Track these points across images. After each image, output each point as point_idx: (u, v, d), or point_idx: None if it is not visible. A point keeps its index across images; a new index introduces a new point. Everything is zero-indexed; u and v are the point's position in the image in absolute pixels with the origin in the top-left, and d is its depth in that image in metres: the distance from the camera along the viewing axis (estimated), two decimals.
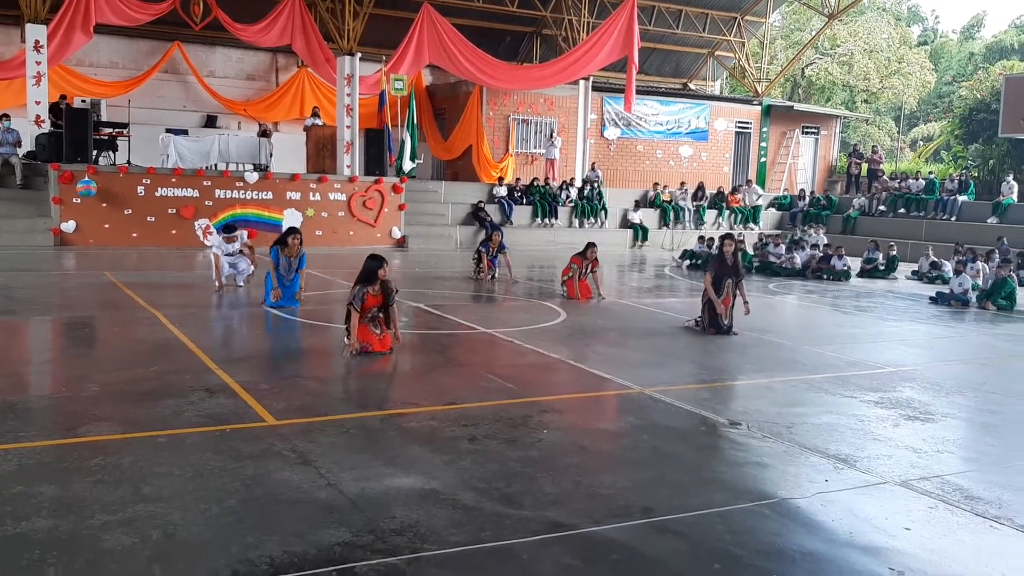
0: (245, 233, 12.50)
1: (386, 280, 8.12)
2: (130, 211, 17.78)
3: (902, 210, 25.12)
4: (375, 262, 8.16)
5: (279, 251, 10.60)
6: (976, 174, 26.65)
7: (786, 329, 9.85)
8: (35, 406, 6.20)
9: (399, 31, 22.95)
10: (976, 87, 29.78)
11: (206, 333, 9.22)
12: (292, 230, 10.98)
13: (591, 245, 12.87)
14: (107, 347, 8.63)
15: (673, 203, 25.43)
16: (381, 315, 8.09)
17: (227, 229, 11.95)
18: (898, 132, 44.93)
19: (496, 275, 14.64)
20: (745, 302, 10.08)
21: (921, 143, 43.05)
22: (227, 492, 4.52)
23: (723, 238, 10.49)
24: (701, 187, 26.31)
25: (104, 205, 17.47)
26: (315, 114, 22.76)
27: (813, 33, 34.57)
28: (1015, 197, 23.23)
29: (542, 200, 23.39)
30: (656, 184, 26.12)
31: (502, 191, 23.32)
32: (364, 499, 4.51)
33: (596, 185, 24.58)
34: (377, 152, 21.15)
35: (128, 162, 18.95)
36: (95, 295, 11.62)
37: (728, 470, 5.29)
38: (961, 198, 23.95)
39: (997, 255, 17.12)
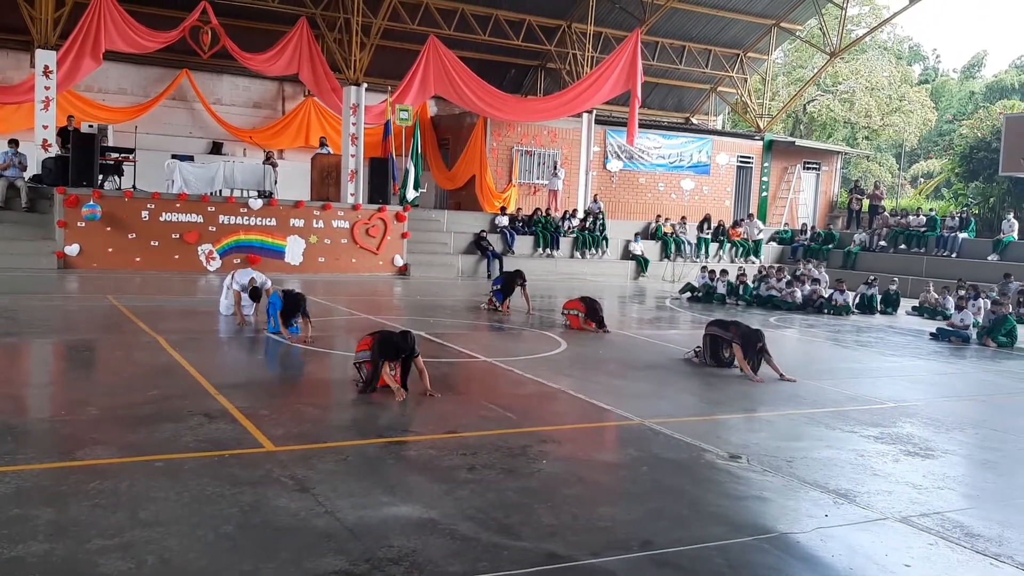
0: (268, 282, 11.82)
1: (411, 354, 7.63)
2: (134, 235, 17.85)
3: (903, 246, 25.19)
4: (407, 344, 7.55)
5: (281, 299, 10.47)
6: (976, 211, 26.75)
7: (786, 363, 9.83)
8: (34, 429, 6.19)
9: (405, 62, 23.20)
10: (977, 126, 30.00)
11: (207, 358, 9.22)
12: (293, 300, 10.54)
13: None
14: (108, 371, 8.63)
15: (674, 235, 25.51)
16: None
17: (253, 295, 11.27)
18: (899, 169, 45.15)
19: (508, 306, 14.32)
20: (778, 372, 9.55)
21: (922, 180, 43.25)
22: (224, 518, 4.50)
23: (756, 331, 9.81)
24: (707, 219, 26.40)
25: (108, 229, 17.54)
26: (323, 144, 22.96)
27: (815, 70, 34.88)
28: (1015, 235, 23.30)
29: (544, 231, 23.48)
30: (658, 216, 26.24)
31: (504, 221, 23.42)
32: (362, 527, 4.49)
33: (598, 217, 24.68)
34: (381, 181, 21.28)
35: (133, 187, 19.06)
36: (97, 318, 11.64)
37: (727, 503, 5.26)
38: (962, 235, 24.03)
39: (995, 291, 17.13)
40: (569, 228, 24.11)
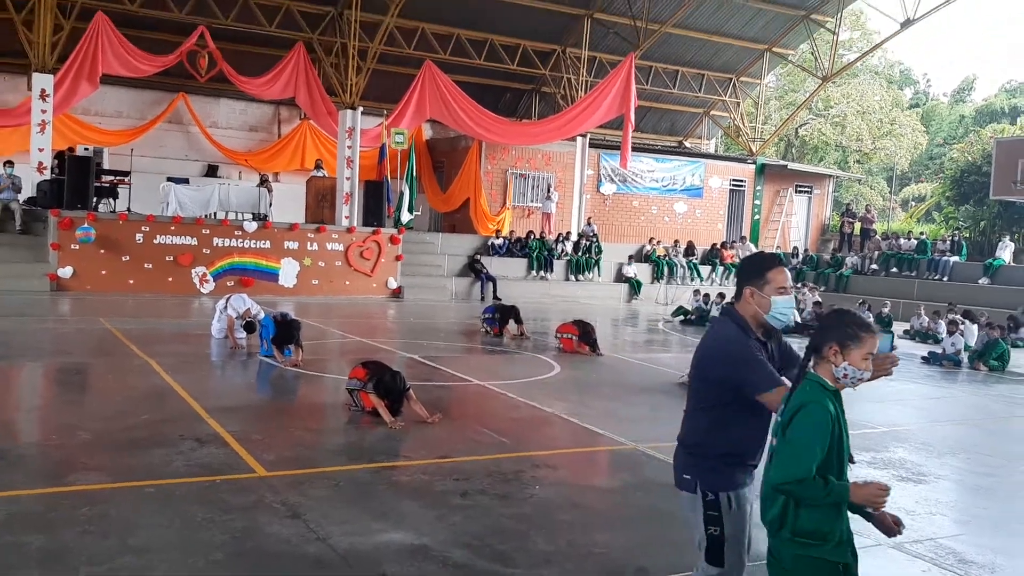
0: (260, 313, 11.64)
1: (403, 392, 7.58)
2: (128, 258, 17.83)
3: (894, 269, 25.30)
4: (397, 385, 7.50)
5: (274, 324, 10.46)
6: (967, 235, 26.91)
7: None
8: (25, 453, 6.17)
9: (401, 86, 23.33)
10: (967, 149, 30.23)
11: (199, 381, 9.19)
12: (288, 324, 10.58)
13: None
14: (99, 394, 8.60)
15: (667, 258, 25.60)
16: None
17: (248, 328, 11.24)
18: (890, 192, 45.42)
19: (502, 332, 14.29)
20: None
21: (913, 203, 43.51)
22: (215, 545, 4.49)
23: None
24: (691, 245, 26.53)
25: (102, 251, 17.52)
26: (319, 166, 23.05)
27: (807, 94, 35.16)
28: (1007, 257, 23.43)
29: (538, 253, 23.54)
30: (651, 239, 26.33)
31: (499, 243, 23.48)
32: (354, 554, 4.48)
33: (592, 240, 24.76)
34: (376, 204, 21.32)
35: (128, 209, 19.06)
36: (90, 341, 11.61)
37: None
38: (953, 259, 24.16)
39: (984, 316, 17.13)
40: (563, 251, 24.18)
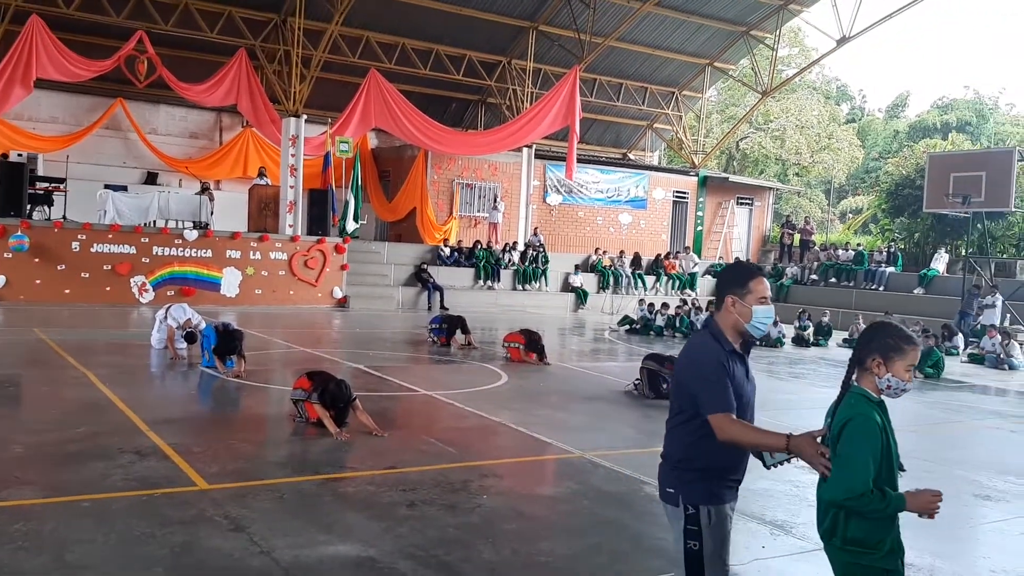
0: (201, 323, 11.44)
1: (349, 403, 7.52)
2: (63, 267, 17.35)
3: (833, 279, 25.92)
4: (343, 393, 7.46)
5: (216, 334, 10.27)
6: (903, 246, 27.70)
7: None
8: None
9: (345, 94, 23.17)
10: (902, 164, 31.10)
11: (138, 393, 8.96)
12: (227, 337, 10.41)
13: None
14: (34, 407, 8.34)
15: (612, 268, 25.83)
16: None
17: (189, 338, 10.99)
18: (828, 204, 46.57)
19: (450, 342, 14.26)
20: None
21: (850, 215, 44.65)
22: (154, 560, 4.37)
23: None
24: (637, 257, 26.83)
25: (36, 260, 17.02)
26: (262, 174, 22.71)
27: (747, 109, 35.88)
28: (941, 268, 24.17)
29: (485, 263, 23.55)
30: (597, 249, 26.56)
31: (446, 252, 23.44)
32: (298, 567, 4.40)
33: (539, 249, 24.87)
34: (320, 212, 21.12)
35: (64, 217, 18.55)
36: (23, 353, 11.25)
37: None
38: (889, 269, 24.86)
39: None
40: (510, 261, 24.24)
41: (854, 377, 3.01)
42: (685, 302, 20.35)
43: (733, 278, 3.35)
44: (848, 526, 2.89)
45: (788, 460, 3.19)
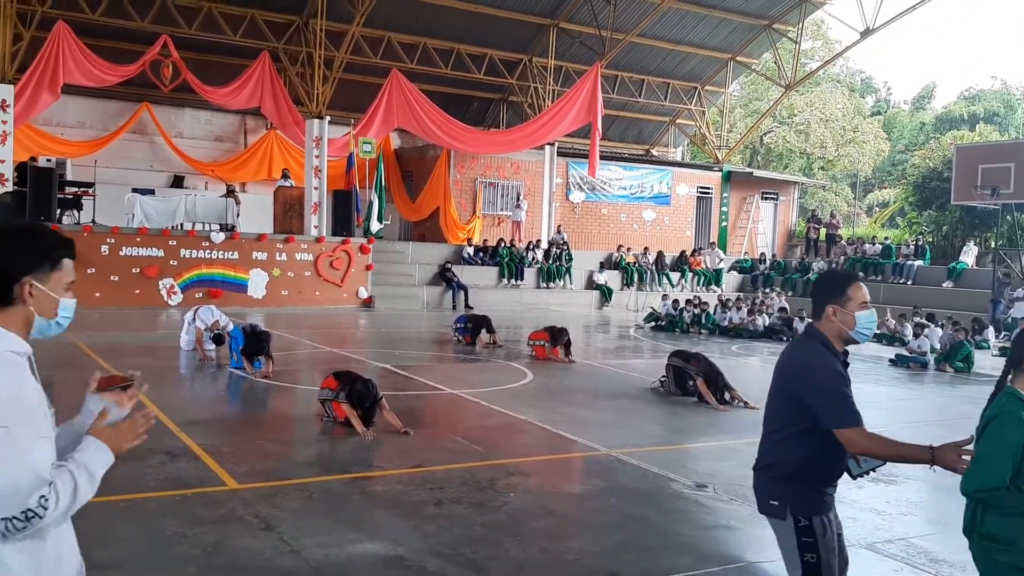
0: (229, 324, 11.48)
1: (375, 402, 7.58)
2: (93, 270, 17.56)
3: (860, 274, 25.63)
4: (369, 392, 7.52)
5: (243, 336, 10.36)
6: (931, 239, 27.37)
7: (750, 391, 9.92)
8: None
9: (368, 95, 23.26)
10: (928, 156, 30.71)
11: (168, 395, 9.06)
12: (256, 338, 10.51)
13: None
14: (66, 409, 8.42)
15: (636, 265, 25.75)
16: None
17: (217, 340, 11.10)
18: (854, 198, 46.11)
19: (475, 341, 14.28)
20: (741, 400, 9.72)
21: (877, 209, 44.17)
22: (186, 559, 4.42)
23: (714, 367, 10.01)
24: (661, 254, 26.70)
25: None
26: (285, 176, 22.86)
27: (771, 103, 35.61)
28: (970, 261, 23.84)
29: (509, 262, 23.56)
30: (620, 246, 26.48)
31: (470, 251, 23.48)
32: (327, 566, 4.43)
33: (562, 247, 24.84)
34: (345, 213, 21.23)
35: (93, 221, 18.79)
36: (55, 356, 11.38)
37: (695, 533, 5.28)
38: (917, 263, 24.56)
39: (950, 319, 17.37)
40: (533, 259, 24.23)
41: (1009, 378, 3.04)
42: (698, 300, 19.99)
43: (830, 287, 3.31)
44: (984, 520, 2.93)
45: (875, 469, 3.25)
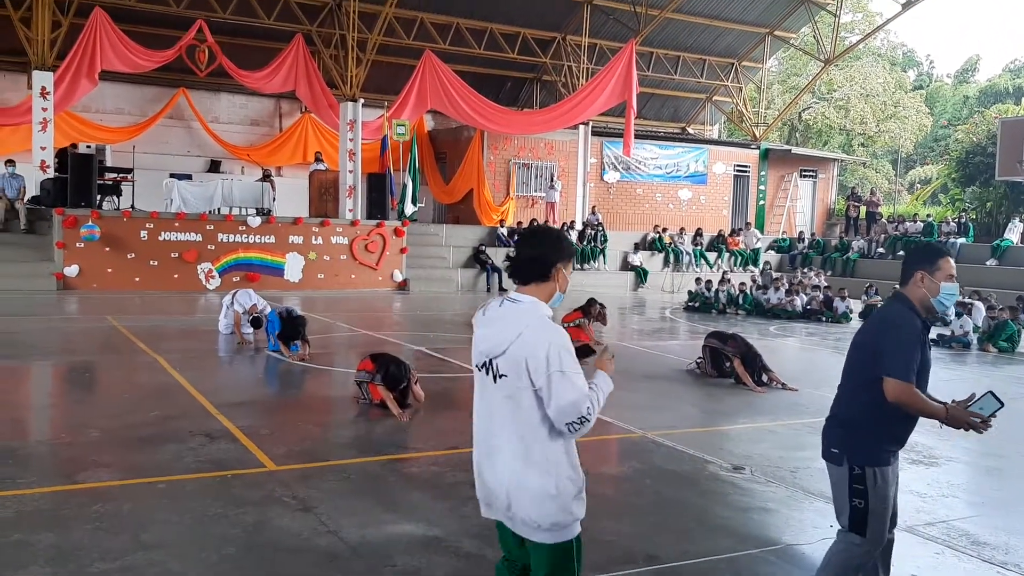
0: (267, 308, 11.54)
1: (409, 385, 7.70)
2: (133, 255, 17.84)
3: (901, 252, 25.18)
4: (403, 375, 7.62)
5: (280, 320, 10.44)
6: (974, 216, 26.81)
7: (787, 372, 9.82)
8: (35, 452, 6.18)
9: (401, 77, 23.26)
10: (972, 130, 30.05)
11: (207, 377, 9.20)
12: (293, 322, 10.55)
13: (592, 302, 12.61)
14: (108, 392, 8.61)
15: (672, 245, 25.55)
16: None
17: (255, 323, 11.15)
18: (895, 175, 45.26)
19: None
20: (778, 382, 9.60)
21: (919, 186, 43.35)
22: (227, 539, 4.49)
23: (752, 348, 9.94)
24: (699, 232, 26.46)
25: (107, 249, 17.53)
26: (318, 159, 22.99)
27: (810, 78, 34.99)
28: (1015, 238, 23.31)
29: None
30: (656, 227, 26.28)
31: (504, 233, 23.46)
32: (365, 546, 4.47)
33: (597, 228, 24.72)
34: (379, 196, 21.31)
35: (132, 207, 19.07)
36: (97, 340, 11.62)
37: (732, 515, 5.25)
38: (960, 240, 24.07)
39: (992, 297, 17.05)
40: None
41: None
42: (725, 278, 19.80)
43: (924, 256, 3.64)
44: None
45: (995, 415, 3.59)
